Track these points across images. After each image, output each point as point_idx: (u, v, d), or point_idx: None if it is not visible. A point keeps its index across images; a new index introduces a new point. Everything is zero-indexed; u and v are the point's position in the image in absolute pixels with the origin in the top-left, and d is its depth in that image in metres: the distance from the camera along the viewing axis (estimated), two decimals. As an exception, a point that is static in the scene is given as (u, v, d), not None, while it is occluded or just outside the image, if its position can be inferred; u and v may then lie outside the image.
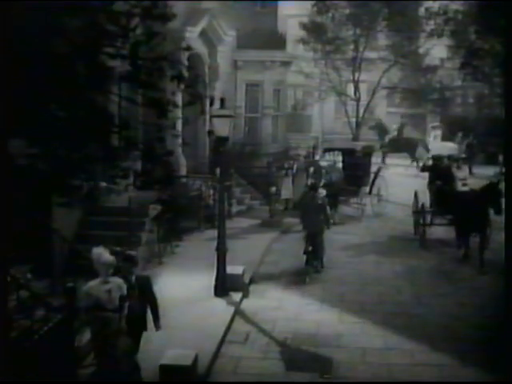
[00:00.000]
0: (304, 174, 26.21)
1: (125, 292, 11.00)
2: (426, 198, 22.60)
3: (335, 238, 22.63)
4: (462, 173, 25.50)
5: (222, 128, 15.85)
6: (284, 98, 33.00)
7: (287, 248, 21.53)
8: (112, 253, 12.04)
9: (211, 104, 16.59)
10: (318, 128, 46.85)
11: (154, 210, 19.49)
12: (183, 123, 25.46)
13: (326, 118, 47.42)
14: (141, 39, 11.18)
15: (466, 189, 22.39)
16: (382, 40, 33.93)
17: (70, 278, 13.10)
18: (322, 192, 19.86)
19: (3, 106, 8.70)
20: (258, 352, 13.53)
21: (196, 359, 12.16)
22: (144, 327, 11.76)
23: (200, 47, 26.42)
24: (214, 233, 20.87)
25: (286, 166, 27.12)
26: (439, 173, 22.76)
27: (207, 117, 26.95)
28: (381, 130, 38.42)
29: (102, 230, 18.69)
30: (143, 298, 11.66)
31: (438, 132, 42.80)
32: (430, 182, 22.85)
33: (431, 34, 32.92)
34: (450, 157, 26.86)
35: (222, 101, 16.26)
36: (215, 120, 15.90)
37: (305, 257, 18.51)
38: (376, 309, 15.89)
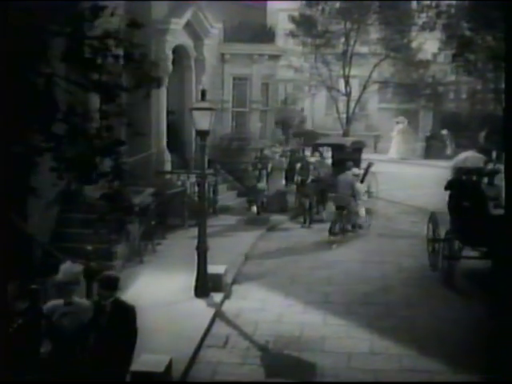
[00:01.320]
0: (280, 174, 25.34)
1: (87, 319, 9.42)
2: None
3: (322, 235, 22.16)
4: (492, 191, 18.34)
5: (203, 121, 15.20)
6: (273, 93, 32.31)
7: (273, 246, 20.92)
8: (86, 269, 11.29)
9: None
10: (309, 124, 46.27)
11: (135, 206, 18.86)
12: (167, 116, 24.94)
13: (317, 114, 46.83)
14: (85, 14, 10.11)
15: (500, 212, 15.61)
16: (373, 34, 33.22)
17: (40, 279, 12.44)
18: (353, 171, 23.03)
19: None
20: (237, 357, 12.87)
21: (170, 365, 11.50)
22: (111, 366, 9.52)
23: (185, 40, 25.75)
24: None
25: (260, 166, 25.83)
26: (465, 191, 17.50)
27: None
28: (284, 124, 37.70)
29: (81, 228, 18.10)
30: (118, 331, 9.57)
31: (401, 126, 42.22)
32: (452, 202, 17.56)
33: (423, 28, 32.31)
34: (479, 170, 20.22)
35: (203, 93, 15.62)
36: (195, 113, 15.24)
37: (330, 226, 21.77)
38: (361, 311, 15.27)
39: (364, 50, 34.08)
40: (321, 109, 46.40)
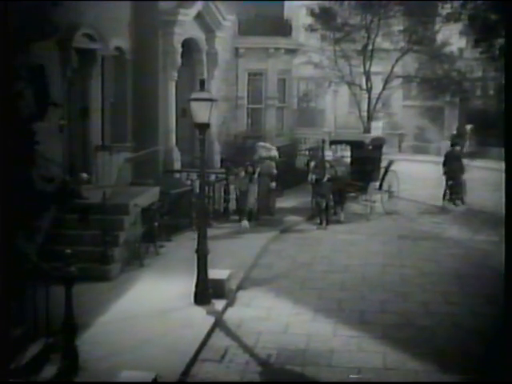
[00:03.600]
0: (268, 179, 23.04)
1: None
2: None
3: (339, 238, 20.93)
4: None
5: (202, 113, 13.90)
6: (290, 89, 31.08)
7: (285, 249, 19.65)
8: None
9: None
10: (331, 123, 44.96)
11: (136, 207, 17.68)
12: (178, 114, 23.75)
13: (340, 112, 45.43)
14: None
15: None
16: (395, 26, 31.78)
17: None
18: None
19: None
20: (234, 373, 11.50)
21: (154, 382, 10.22)
22: None
23: (196, 32, 24.56)
24: (208, 232, 19.22)
25: (250, 170, 22.94)
26: None
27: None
28: None
29: (77, 230, 16.89)
30: None
31: (380, 124, 40.81)
32: None
33: (447, 19, 30.84)
34: None
35: (202, 83, 14.37)
36: (193, 104, 13.95)
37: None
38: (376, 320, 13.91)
39: (386, 44, 32.65)
40: (344, 107, 44.97)
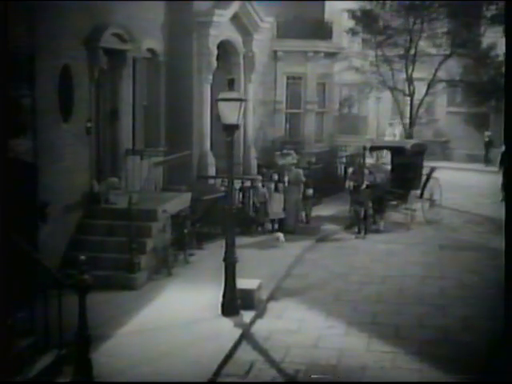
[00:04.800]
0: (297, 189, 21.95)
1: None
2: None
3: (377, 247, 20.14)
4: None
5: (230, 114, 13.25)
6: (330, 94, 30.31)
7: (321, 258, 18.90)
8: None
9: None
10: (373, 130, 44.07)
11: (164, 213, 17.04)
12: (213, 118, 23.10)
13: (382, 120, 44.48)
14: None
15: None
16: (438, 29, 30.81)
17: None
18: None
19: None
20: (258, 389, 10.84)
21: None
22: None
23: (233, 34, 23.91)
24: (242, 240, 18.57)
25: (276, 178, 22.03)
26: None
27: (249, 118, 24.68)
28: None
29: (102, 236, 16.37)
30: None
31: (396, 131, 39.73)
32: None
33: (492, 21, 29.83)
34: None
35: (231, 82, 13.72)
36: (221, 104, 13.30)
37: None
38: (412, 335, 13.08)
39: (429, 48, 31.66)
40: (386, 114, 44.02)
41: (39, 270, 10.56)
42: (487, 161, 38.16)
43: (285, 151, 23.86)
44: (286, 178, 21.87)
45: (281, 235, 19.88)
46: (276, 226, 21.31)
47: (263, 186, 21.56)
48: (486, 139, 39.05)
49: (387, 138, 39.29)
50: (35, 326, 10.19)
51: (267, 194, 21.24)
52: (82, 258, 10.18)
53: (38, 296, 10.19)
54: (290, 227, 21.32)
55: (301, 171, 22.28)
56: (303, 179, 22.15)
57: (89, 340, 10.19)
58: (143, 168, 19.19)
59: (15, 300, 9.78)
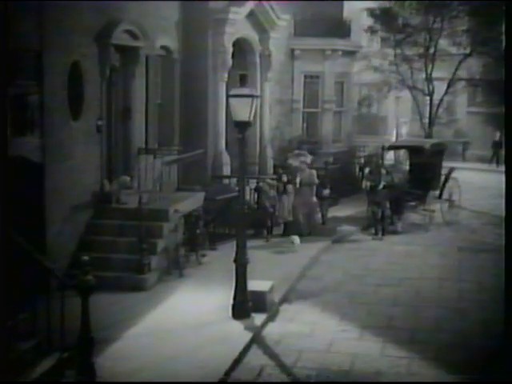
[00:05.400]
0: (309, 190, 21.23)
1: None
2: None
3: (394, 249, 19.74)
4: None
5: (242, 110, 12.89)
6: (349, 93, 29.89)
7: (336, 260, 18.52)
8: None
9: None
10: (394, 130, 43.65)
11: (176, 213, 16.71)
12: (229, 117, 22.77)
13: (402, 119, 44.04)
14: None
15: None
16: (458, 27, 30.38)
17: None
18: None
19: None
20: (267, 395, 10.48)
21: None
22: None
23: (249, 32, 23.56)
24: (254, 242, 18.28)
25: (285, 179, 21.36)
26: None
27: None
28: None
29: (112, 236, 16.08)
30: None
31: (403, 131, 39.24)
32: None
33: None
34: None
35: (243, 78, 13.40)
36: (233, 101, 12.96)
37: None
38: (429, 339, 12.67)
39: (448, 46, 31.24)
40: (406, 113, 43.57)
41: (41, 270, 10.24)
42: (496, 162, 37.57)
43: (296, 152, 23.31)
44: (298, 179, 21.24)
45: (296, 238, 19.35)
46: (288, 229, 20.71)
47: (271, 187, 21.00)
48: (496, 139, 38.41)
49: (393, 138, 38.88)
50: (37, 328, 9.88)
51: (277, 197, 20.80)
52: (85, 258, 9.86)
53: (41, 297, 9.89)
54: (302, 231, 20.51)
55: (314, 172, 21.58)
56: (316, 181, 21.43)
57: (92, 343, 9.87)
58: (156, 167, 18.86)
59: (17, 301, 9.50)
